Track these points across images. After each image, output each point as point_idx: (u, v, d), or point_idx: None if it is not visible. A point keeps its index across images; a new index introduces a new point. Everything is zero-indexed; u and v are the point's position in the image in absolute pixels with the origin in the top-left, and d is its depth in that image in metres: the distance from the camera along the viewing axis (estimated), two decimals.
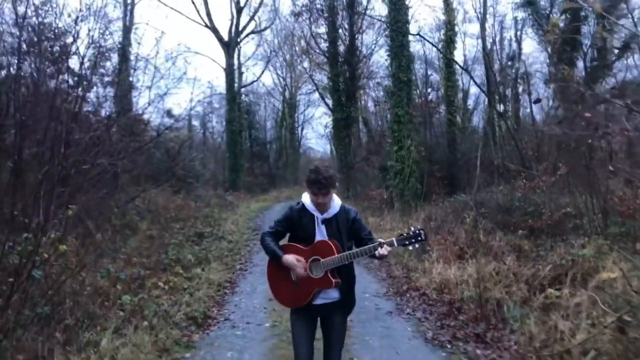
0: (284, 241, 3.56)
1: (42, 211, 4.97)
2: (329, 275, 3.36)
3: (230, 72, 31.43)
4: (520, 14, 21.01)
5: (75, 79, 9.61)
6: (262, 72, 39.58)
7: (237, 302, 7.23)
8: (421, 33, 20.55)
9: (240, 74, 34.76)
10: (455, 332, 5.66)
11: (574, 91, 10.62)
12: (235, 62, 32.99)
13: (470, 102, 27.40)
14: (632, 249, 6.90)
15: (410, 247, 3.39)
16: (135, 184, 12.14)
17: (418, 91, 22.65)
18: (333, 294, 3.45)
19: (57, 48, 10.17)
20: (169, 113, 21.28)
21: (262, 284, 8.16)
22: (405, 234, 3.41)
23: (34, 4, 9.67)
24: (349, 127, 23.60)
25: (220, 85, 37.62)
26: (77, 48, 9.78)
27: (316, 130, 58.95)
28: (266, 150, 42.16)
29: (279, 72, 41.73)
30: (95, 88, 12.46)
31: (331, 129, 27.45)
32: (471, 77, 18.82)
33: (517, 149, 14.10)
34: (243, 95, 35.84)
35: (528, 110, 22.79)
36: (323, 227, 3.44)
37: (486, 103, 21.21)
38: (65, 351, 4.41)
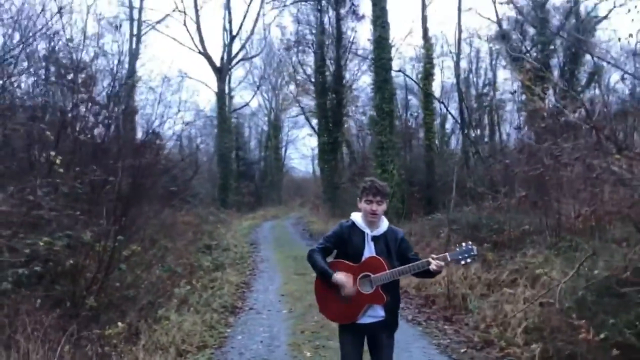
0: (330, 258, 3.63)
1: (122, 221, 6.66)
2: (380, 291, 3.39)
3: (221, 96, 33.22)
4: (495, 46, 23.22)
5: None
6: (252, 97, 41.52)
7: (256, 297, 8.94)
8: (403, 64, 22.65)
9: (231, 97, 36.61)
10: (429, 316, 7.45)
11: (541, 120, 12.39)
12: (226, 87, 34.82)
13: (449, 126, 29.43)
14: (573, 259, 8.73)
15: (463, 263, 3.43)
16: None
17: (399, 117, 24.75)
18: (380, 313, 3.46)
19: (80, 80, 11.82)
20: (154, 133, 22.87)
21: (272, 285, 9.92)
22: (458, 249, 3.47)
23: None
24: (335, 151, 25.48)
25: (206, 107, 39.45)
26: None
27: (300, 150, 60.79)
28: (252, 170, 43.78)
29: (265, 95, 43.66)
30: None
31: (317, 151, 29.27)
32: (446, 108, 21.01)
33: (486, 173, 16.03)
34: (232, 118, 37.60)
35: (505, 135, 24.80)
36: (372, 245, 3.48)
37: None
38: (147, 322, 6.08)
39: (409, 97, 28.23)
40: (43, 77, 10.90)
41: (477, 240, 11.77)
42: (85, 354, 4.78)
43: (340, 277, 3.41)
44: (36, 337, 4.51)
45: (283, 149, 46.66)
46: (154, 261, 7.86)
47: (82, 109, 10.28)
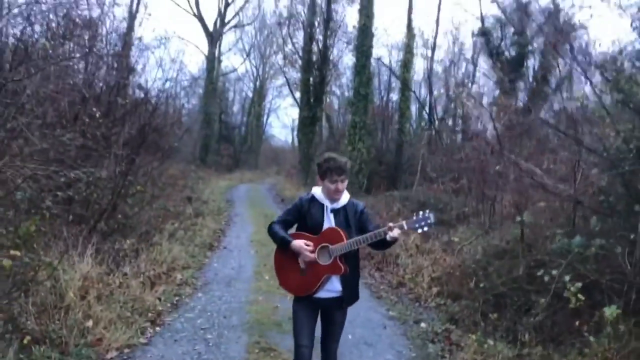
0: (292, 231, 3.64)
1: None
2: (338, 261, 3.38)
3: (211, 59, 34.50)
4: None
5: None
6: (241, 63, 42.64)
7: (229, 241, 10.83)
8: (390, 49, 24.23)
9: (220, 62, 37.86)
10: (365, 266, 9.37)
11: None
12: (216, 51, 36.07)
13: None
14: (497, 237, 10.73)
15: (420, 231, 3.40)
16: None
17: (378, 99, 26.42)
18: (336, 287, 3.47)
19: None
20: (139, 86, 24.32)
21: (244, 233, 11.77)
22: (414, 217, 3.43)
23: None
24: (314, 125, 27.15)
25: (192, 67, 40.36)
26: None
27: (281, 120, 62.13)
28: (233, 134, 45.07)
29: (253, 62, 44.75)
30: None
31: (297, 123, 30.88)
32: (417, 98, 22.66)
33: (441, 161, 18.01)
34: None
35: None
36: (331, 217, 3.50)
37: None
38: (145, 245, 7.86)
39: (392, 80, 29.91)
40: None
41: None
42: (104, 258, 6.52)
43: (298, 242, 3.42)
44: (73, 242, 6.25)
45: (265, 117, 47.97)
46: (151, 201, 9.60)
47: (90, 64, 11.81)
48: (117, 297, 5.62)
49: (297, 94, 31.48)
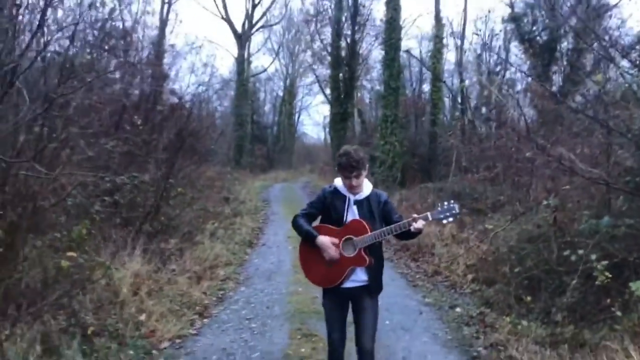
0: (315, 223, 3.64)
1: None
2: (363, 253, 3.40)
3: (241, 61, 35.01)
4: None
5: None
6: (271, 63, 43.10)
7: (267, 238, 11.19)
8: (420, 39, 24.12)
9: (249, 63, 38.39)
10: (401, 257, 9.56)
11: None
12: (245, 52, 36.58)
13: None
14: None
15: (445, 222, 3.42)
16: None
17: (410, 91, 26.39)
18: (362, 277, 3.48)
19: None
20: (172, 92, 25.04)
21: (280, 230, 12.08)
22: (440, 208, 3.45)
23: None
24: (345, 121, 27.32)
25: (223, 71, 41.02)
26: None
27: (312, 117, 62.40)
28: (266, 134, 45.59)
29: (282, 61, 45.09)
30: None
31: (329, 120, 31.13)
32: (448, 88, 22.55)
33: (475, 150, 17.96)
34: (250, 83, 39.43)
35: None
36: (355, 209, 3.50)
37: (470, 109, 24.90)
38: (188, 244, 8.24)
39: (424, 71, 29.72)
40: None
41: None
42: (151, 257, 6.92)
43: (324, 239, 3.44)
44: (121, 243, 6.66)
45: (296, 115, 48.26)
46: (191, 202, 10.03)
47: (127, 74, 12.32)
48: (167, 293, 6.01)
49: (328, 91, 31.72)
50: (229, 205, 14.77)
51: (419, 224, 3.30)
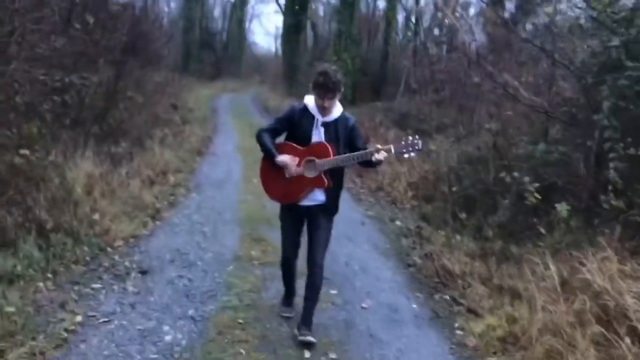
0: (281, 139, 3.68)
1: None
2: (323, 176, 3.46)
3: None
4: None
5: None
6: None
7: (216, 147, 11.27)
8: None
9: None
10: (351, 174, 9.91)
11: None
12: None
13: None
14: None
15: (406, 156, 3.47)
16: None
17: (365, 7, 25.90)
18: (319, 197, 3.55)
19: None
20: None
21: (230, 140, 12.18)
22: (403, 142, 3.48)
23: None
24: (298, 33, 26.71)
25: None
26: None
27: (264, 27, 60.54)
28: (214, 41, 43.87)
29: None
30: None
31: (282, 31, 30.31)
32: (404, 8, 22.36)
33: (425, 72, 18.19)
34: None
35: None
36: (321, 130, 3.51)
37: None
38: (138, 149, 8.24)
39: None
40: None
41: (403, 126, 14.29)
42: (102, 160, 6.91)
43: (284, 158, 3.48)
44: (72, 144, 6.60)
45: (247, 23, 46.60)
46: (140, 107, 9.87)
47: None
48: (119, 195, 6.12)
49: (282, 0, 30.73)
50: (177, 112, 14.57)
51: (381, 155, 3.35)
